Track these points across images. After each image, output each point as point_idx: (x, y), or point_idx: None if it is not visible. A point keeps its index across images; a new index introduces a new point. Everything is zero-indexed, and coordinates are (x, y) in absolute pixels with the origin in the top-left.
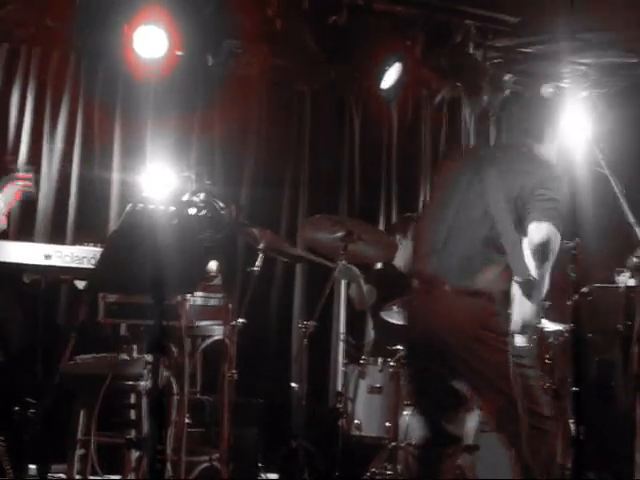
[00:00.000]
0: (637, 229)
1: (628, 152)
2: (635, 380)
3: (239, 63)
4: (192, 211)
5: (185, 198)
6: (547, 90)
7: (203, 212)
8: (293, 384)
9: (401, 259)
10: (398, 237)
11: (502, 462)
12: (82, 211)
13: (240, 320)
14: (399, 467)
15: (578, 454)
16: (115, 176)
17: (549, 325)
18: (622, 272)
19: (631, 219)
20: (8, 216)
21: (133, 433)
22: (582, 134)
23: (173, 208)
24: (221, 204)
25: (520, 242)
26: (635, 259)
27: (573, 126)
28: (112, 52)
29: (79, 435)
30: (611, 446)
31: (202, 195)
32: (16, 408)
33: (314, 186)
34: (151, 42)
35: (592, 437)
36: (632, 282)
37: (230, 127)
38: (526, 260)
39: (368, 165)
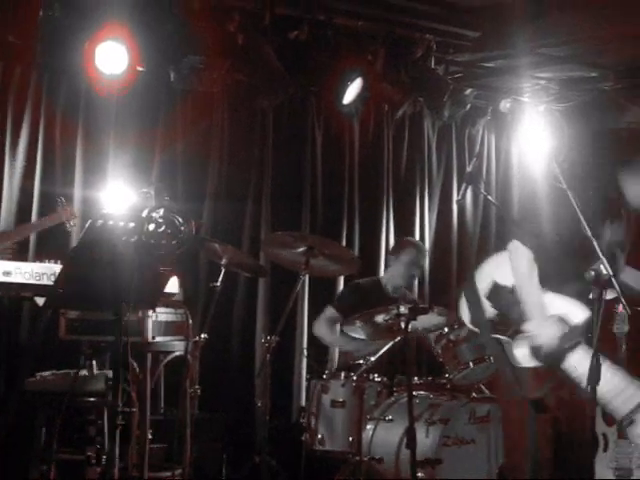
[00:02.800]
0: (594, 243)
1: (587, 166)
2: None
3: (200, 79)
4: (151, 227)
5: (144, 214)
6: (505, 105)
7: (162, 228)
8: (256, 399)
9: (388, 278)
10: (392, 257)
11: (464, 475)
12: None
13: (203, 335)
14: None
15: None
16: (77, 192)
17: None
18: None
19: (588, 233)
20: None
21: (94, 449)
22: (541, 148)
23: (132, 224)
24: (180, 220)
25: None
26: (593, 272)
27: (532, 140)
28: (74, 68)
29: (41, 452)
30: (574, 459)
31: (161, 211)
32: None
33: (276, 202)
34: (112, 58)
35: (555, 450)
36: (591, 296)
37: (192, 143)
38: None
39: (330, 180)
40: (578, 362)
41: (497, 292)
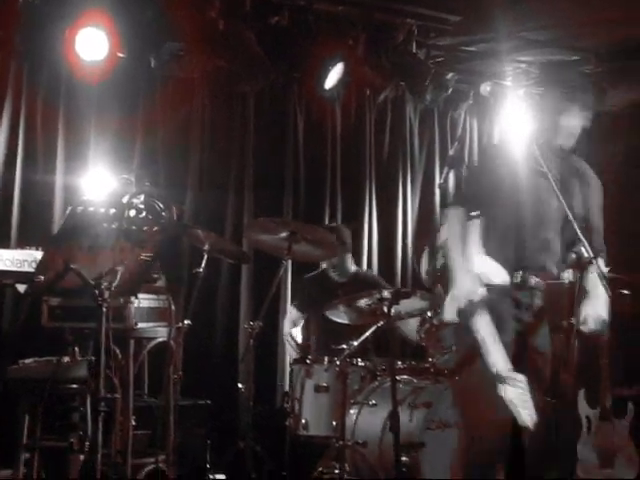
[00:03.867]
0: (575, 225)
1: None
2: (576, 375)
3: (181, 65)
4: (132, 213)
5: (125, 200)
6: (485, 88)
7: (143, 214)
8: (240, 385)
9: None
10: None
11: (447, 459)
12: (25, 215)
13: (186, 322)
14: (347, 465)
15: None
16: (59, 179)
17: None
18: (567, 268)
19: (569, 216)
20: None
21: (78, 436)
22: (521, 131)
23: (113, 210)
24: (161, 205)
25: None
26: (574, 255)
27: (513, 123)
28: (54, 55)
29: (24, 439)
30: (558, 442)
31: (142, 197)
32: None
33: (258, 188)
34: (93, 45)
35: None
36: (572, 277)
37: (173, 129)
38: None
39: (312, 166)
40: (482, 327)
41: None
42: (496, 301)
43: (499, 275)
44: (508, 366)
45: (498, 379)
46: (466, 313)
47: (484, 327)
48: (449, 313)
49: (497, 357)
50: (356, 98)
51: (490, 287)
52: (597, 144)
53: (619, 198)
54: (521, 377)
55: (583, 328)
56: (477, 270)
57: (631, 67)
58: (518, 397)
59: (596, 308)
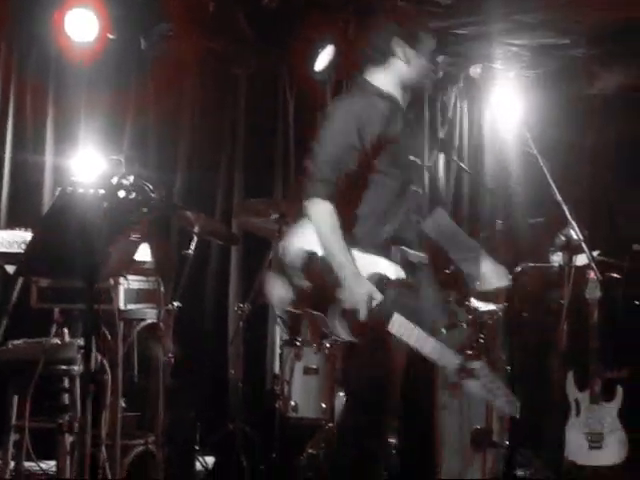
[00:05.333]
0: (565, 208)
1: (559, 131)
2: (564, 358)
3: (172, 46)
4: (121, 194)
5: (114, 181)
6: (475, 71)
7: (133, 195)
8: (229, 367)
9: None
10: None
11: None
12: (15, 196)
13: (175, 303)
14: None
15: (513, 433)
16: (48, 160)
17: (482, 305)
18: (556, 251)
19: (559, 198)
20: None
21: (67, 418)
22: (512, 114)
23: (103, 191)
24: (150, 186)
25: None
26: (563, 238)
27: (503, 106)
28: (44, 36)
29: (13, 420)
30: (546, 424)
31: (131, 178)
32: None
33: (249, 169)
34: (83, 25)
35: (527, 416)
36: (562, 261)
37: (164, 111)
38: None
39: (303, 148)
40: (402, 328)
41: (311, 261)
42: (404, 296)
43: (392, 270)
44: (457, 358)
45: (450, 378)
46: (379, 316)
47: (405, 328)
48: (339, 330)
49: (439, 354)
50: (346, 80)
51: (390, 283)
52: (589, 127)
53: (611, 181)
54: (478, 363)
55: (486, 287)
56: (372, 269)
57: (622, 50)
58: (484, 388)
59: (493, 265)
